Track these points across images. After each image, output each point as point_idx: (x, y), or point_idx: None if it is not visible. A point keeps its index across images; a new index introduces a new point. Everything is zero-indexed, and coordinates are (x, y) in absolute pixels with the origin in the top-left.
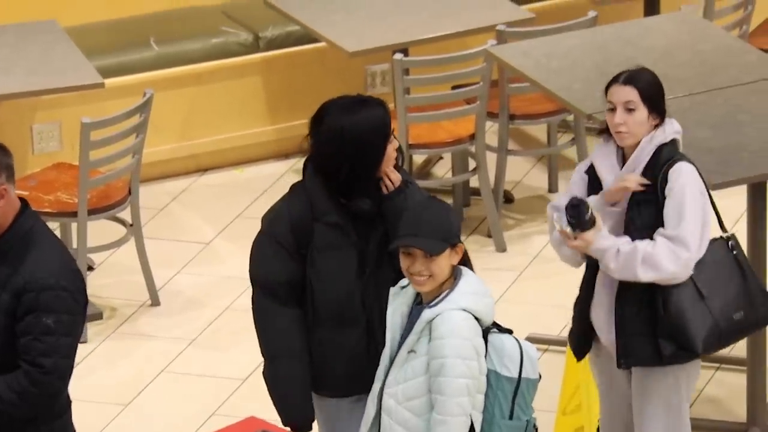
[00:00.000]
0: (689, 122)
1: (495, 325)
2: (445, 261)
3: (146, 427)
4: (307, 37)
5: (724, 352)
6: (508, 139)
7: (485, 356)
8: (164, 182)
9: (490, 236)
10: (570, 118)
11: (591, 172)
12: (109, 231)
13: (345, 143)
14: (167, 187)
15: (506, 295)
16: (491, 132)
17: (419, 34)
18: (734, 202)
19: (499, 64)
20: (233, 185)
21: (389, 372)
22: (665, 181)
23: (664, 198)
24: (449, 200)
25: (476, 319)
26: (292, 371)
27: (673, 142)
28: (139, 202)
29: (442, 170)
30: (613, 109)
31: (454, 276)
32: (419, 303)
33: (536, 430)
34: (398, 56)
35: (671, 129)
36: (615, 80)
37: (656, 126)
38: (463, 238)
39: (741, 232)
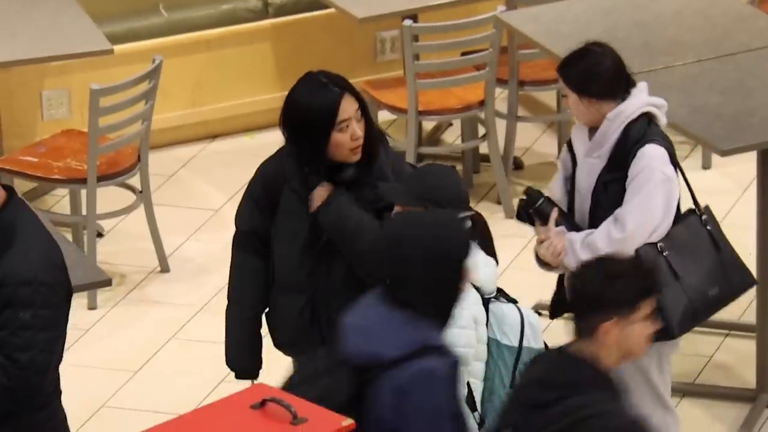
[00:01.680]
0: (699, 88)
1: (500, 292)
2: None
3: (155, 394)
4: (317, 3)
5: (733, 318)
6: (518, 105)
7: (486, 325)
8: (174, 149)
9: (499, 203)
10: None
11: (571, 146)
12: (119, 198)
13: (290, 116)
14: (177, 154)
15: (515, 262)
16: (501, 98)
17: (429, 0)
18: (744, 168)
19: (508, 30)
20: (243, 152)
21: None
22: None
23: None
24: (459, 166)
25: (476, 288)
26: (234, 317)
27: (646, 115)
28: (148, 168)
29: (452, 137)
30: None
31: None
32: None
33: None
34: (407, 23)
35: (638, 102)
36: None
37: (617, 105)
38: (472, 204)
39: (751, 198)
